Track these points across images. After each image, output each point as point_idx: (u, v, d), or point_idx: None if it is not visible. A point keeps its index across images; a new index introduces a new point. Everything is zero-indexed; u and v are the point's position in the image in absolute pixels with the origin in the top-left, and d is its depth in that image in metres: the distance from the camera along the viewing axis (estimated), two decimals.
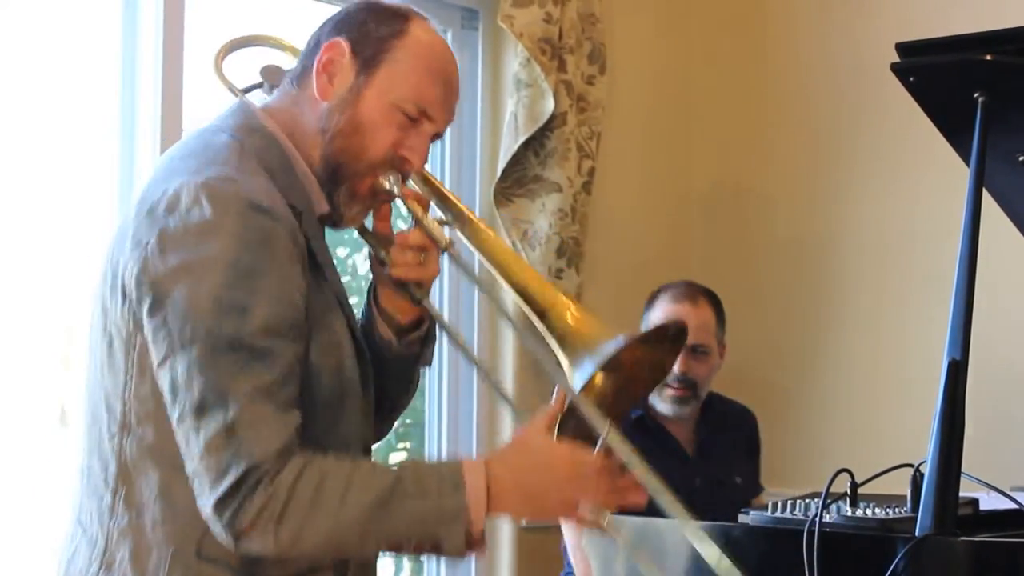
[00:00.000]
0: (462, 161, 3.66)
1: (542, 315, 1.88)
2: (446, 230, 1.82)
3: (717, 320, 3.33)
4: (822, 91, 3.99)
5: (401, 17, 1.79)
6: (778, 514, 2.19)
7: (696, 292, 3.33)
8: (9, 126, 2.78)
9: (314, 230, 1.73)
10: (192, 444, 1.58)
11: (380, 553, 1.79)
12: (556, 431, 1.76)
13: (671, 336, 1.91)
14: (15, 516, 2.79)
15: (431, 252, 1.80)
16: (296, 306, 1.63)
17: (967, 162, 2.15)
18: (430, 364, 1.93)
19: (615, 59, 3.78)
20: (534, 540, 3.51)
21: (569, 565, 3.27)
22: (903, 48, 2.22)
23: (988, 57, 2.09)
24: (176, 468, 1.62)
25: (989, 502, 2.22)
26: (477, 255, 1.95)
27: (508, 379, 3.61)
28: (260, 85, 1.95)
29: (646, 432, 3.27)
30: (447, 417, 3.63)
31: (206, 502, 1.58)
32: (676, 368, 3.22)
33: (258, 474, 1.56)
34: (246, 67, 1.97)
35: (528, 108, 3.53)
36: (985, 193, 2.15)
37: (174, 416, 1.60)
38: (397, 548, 1.65)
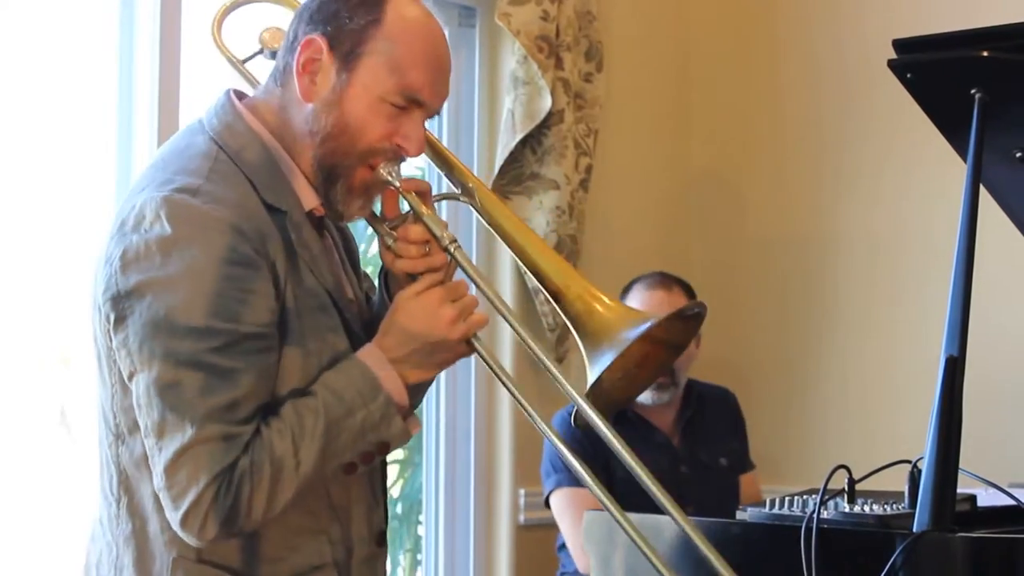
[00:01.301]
0: (459, 158, 3.65)
1: (557, 297, 1.86)
2: (447, 215, 1.80)
3: None
4: (820, 88, 3.99)
5: (376, 2, 1.73)
6: (776, 511, 2.19)
7: (670, 280, 3.37)
8: (7, 125, 2.77)
9: (300, 229, 1.72)
10: (155, 462, 1.62)
11: (382, 545, 1.82)
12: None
13: (690, 316, 1.90)
14: (15, 516, 2.79)
15: (434, 243, 1.77)
16: (262, 322, 1.63)
17: (964, 159, 2.15)
18: None
19: (612, 56, 3.78)
20: (532, 540, 3.52)
21: (565, 565, 3.27)
22: (900, 45, 2.22)
23: (985, 54, 2.09)
24: None
25: (987, 498, 2.22)
26: (477, 241, 1.92)
27: (505, 367, 3.60)
28: (260, 52, 1.92)
29: (628, 424, 3.29)
30: (445, 414, 3.64)
31: (172, 517, 1.62)
32: None
33: (214, 488, 1.59)
34: (245, 34, 1.94)
35: (525, 105, 3.53)
36: (982, 189, 2.15)
37: (142, 430, 1.63)
38: (353, 467, 1.69)
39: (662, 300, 3.29)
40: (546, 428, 1.83)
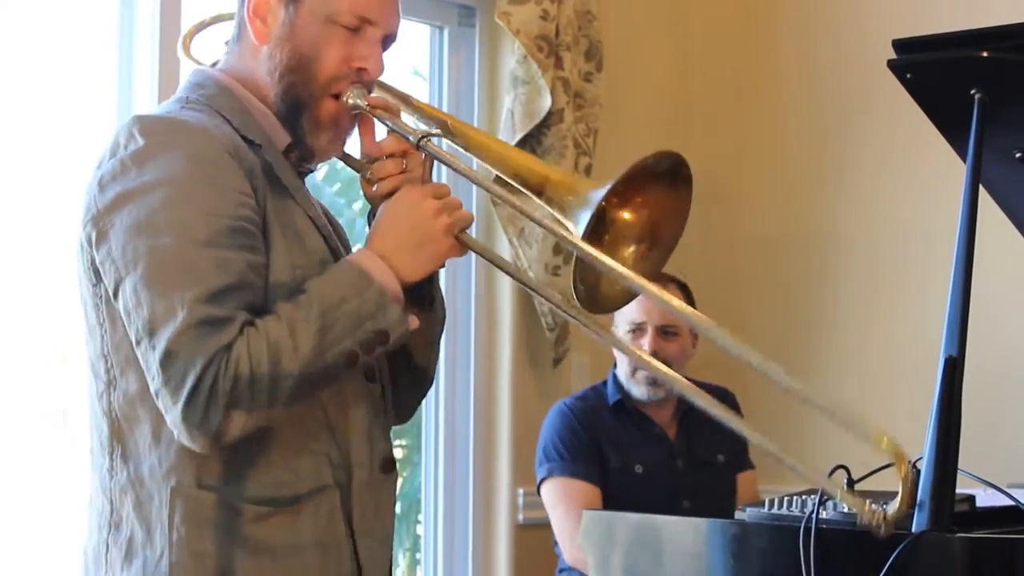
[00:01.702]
0: (459, 159, 3.65)
1: (540, 191, 1.86)
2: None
3: (686, 302, 3.32)
4: (820, 88, 3.99)
5: None
6: (775, 511, 2.19)
7: (664, 277, 3.36)
8: (7, 125, 2.77)
9: (278, 161, 1.75)
10: (151, 363, 1.60)
11: (388, 472, 1.80)
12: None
13: (664, 169, 1.87)
14: (16, 516, 2.79)
15: (412, 155, 1.78)
16: (242, 216, 1.64)
17: (964, 159, 2.15)
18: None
19: (612, 56, 3.78)
20: (531, 539, 3.52)
21: (563, 562, 3.27)
22: (900, 45, 2.22)
23: (985, 54, 2.09)
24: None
25: (986, 499, 2.22)
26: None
27: (504, 371, 3.62)
28: None
29: (626, 416, 3.30)
30: (444, 414, 3.64)
31: (174, 415, 1.59)
32: (647, 349, 3.22)
33: (213, 371, 1.57)
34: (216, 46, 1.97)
35: (525, 105, 3.53)
36: (982, 190, 2.15)
37: (134, 342, 1.62)
38: (355, 356, 1.66)
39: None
40: (552, 295, 1.83)
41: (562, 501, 3.22)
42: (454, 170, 1.80)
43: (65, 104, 2.86)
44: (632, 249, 1.85)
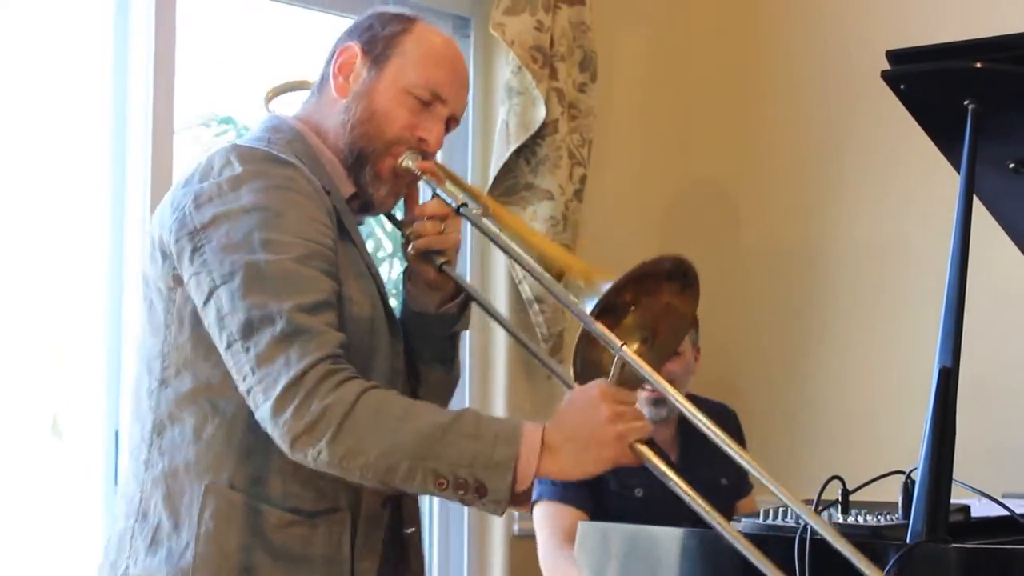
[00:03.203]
0: (453, 169, 3.65)
1: (560, 277, 1.92)
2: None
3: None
4: (814, 99, 4.00)
5: (407, 19, 1.96)
6: (770, 521, 2.19)
7: None
8: (2, 131, 2.77)
9: (342, 205, 1.87)
10: (244, 362, 1.68)
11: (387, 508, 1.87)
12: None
13: (676, 274, 1.89)
14: (7, 524, 2.78)
15: (451, 221, 1.91)
16: (325, 244, 1.75)
17: (958, 169, 2.15)
18: (467, 328, 2.02)
19: (606, 67, 3.78)
20: (525, 550, 3.51)
21: None
22: (893, 56, 2.23)
23: (978, 65, 2.10)
24: (212, 408, 1.75)
25: (981, 509, 2.22)
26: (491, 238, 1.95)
27: (500, 381, 3.62)
28: None
29: None
30: None
31: (264, 409, 1.66)
32: None
33: (315, 375, 1.64)
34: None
35: (519, 116, 3.53)
36: (976, 200, 2.16)
37: (222, 345, 1.70)
38: (442, 486, 1.68)
39: None
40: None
41: (547, 525, 3.21)
42: (489, 238, 1.90)
43: (60, 110, 2.86)
44: (636, 345, 1.89)
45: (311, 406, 1.64)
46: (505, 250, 1.89)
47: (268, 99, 2.14)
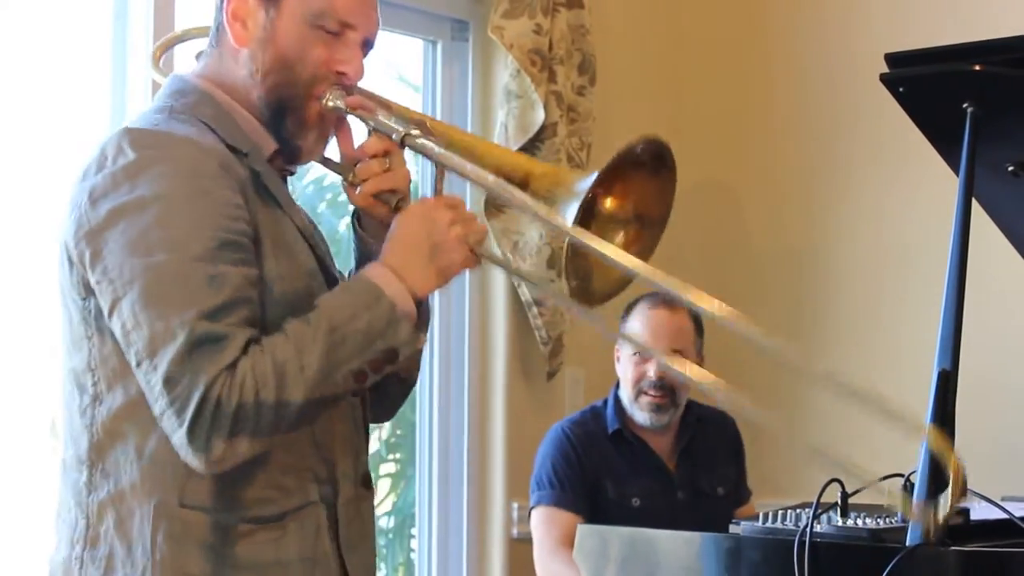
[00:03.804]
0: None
1: (524, 186, 1.84)
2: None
3: (695, 329, 3.31)
4: (814, 102, 4.00)
5: None
6: (769, 524, 2.19)
7: (674, 300, 3.33)
8: (2, 130, 2.77)
9: (265, 168, 1.73)
10: (153, 383, 1.57)
11: (368, 487, 1.80)
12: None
13: (649, 156, 1.87)
14: (6, 527, 2.78)
15: (394, 154, 1.77)
16: (236, 230, 1.62)
17: (956, 172, 2.15)
18: None
19: (605, 70, 3.78)
20: (524, 554, 3.50)
21: None
22: (892, 59, 2.23)
23: (977, 68, 2.10)
24: (150, 424, 1.61)
25: (980, 512, 2.22)
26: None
27: (499, 381, 3.61)
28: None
29: (625, 446, 3.25)
30: (438, 428, 3.63)
31: (179, 437, 1.57)
32: (652, 374, 3.20)
33: (216, 392, 1.55)
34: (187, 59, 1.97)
35: (518, 119, 3.53)
36: (975, 203, 2.16)
37: (132, 362, 1.60)
38: (363, 376, 1.64)
39: (663, 320, 3.25)
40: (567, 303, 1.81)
41: (541, 530, 3.21)
42: (441, 165, 1.77)
43: (59, 110, 2.86)
44: (622, 234, 1.85)
45: (224, 423, 1.55)
46: (454, 169, 1.76)
47: (156, 58, 2.01)
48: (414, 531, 3.70)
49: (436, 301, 3.55)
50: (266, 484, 1.67)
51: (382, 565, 3.72)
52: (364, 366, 1.64)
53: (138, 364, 1.59)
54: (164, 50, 2.03)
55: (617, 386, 3.31)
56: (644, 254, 1.83)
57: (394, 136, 1.76)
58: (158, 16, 2.88)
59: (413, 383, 1.94)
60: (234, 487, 1.65)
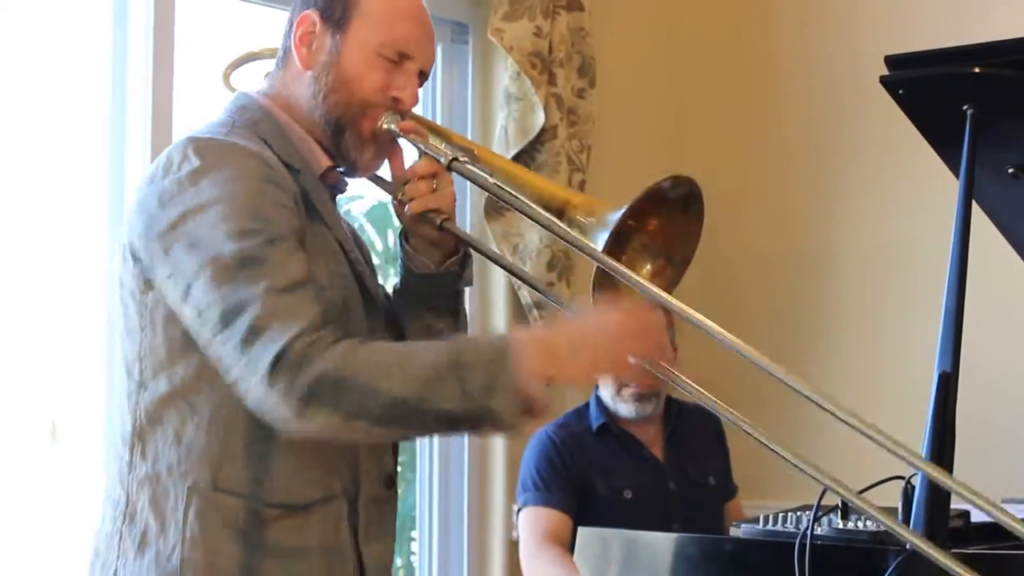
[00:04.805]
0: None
1: (561, 215, 1.90)
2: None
3: (667, 320, 3.31)
4: (813, 104, 4.00)
5: None
6: (770, 527, 2.19)
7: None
8: (2, 134, 2.77)
9: (314, 185, 1.84)
10: (228, 351, 1.65)
11: (391, 488, 1.86)
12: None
13: (679, 196, 1.92)
14: (6, 531, 2.78)
15: (442, 176, 1.87)
16: (292, 227, 1.73)
17: (956, 174, 2.15)
18: (471, 284, 1.98)
19: (605, 72, 3.78)
20: None
21: None
22: (892, 61, 2.23)
23: (977, 70, 2.10)
24: (190, 409, 1.74)
25: (980, 514, 2.22)
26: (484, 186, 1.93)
27: None
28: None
29: (612, 440, 3.26)
30: None
31: (255, 393, 1.64)
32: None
33: (300, 347, 1.62)
34: (254, 77, 2.06)
35: (518, 122, 3.53)
36: (975, 205, 2.16)
37: (204, 340, 1.68)
38: (453, 424, 1.67)
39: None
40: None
41: (527, 529, 3.21)
42: (484, 189, 1.88)
43: (59, 113, 2.86)
44: (649, 267, 1.93)
45: (302, 379, 1.61)
46: (499, 197, 1.86)
47: (227, 75, 2.11)
48: (415, 533, 3.70)
49: None
50: (294, 475, 1.75)
51: None
52: (457, 414, 1.64)
53: (211, 340, 1.67)
54: (235, 67, 2.13)
55: (597, 387, 3.32)
56: (667, 286, 1.93)
57: (442, 160, 1.87)
58: (158, 16, 2.89)
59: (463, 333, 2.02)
60: (264, 474, 1.74)
